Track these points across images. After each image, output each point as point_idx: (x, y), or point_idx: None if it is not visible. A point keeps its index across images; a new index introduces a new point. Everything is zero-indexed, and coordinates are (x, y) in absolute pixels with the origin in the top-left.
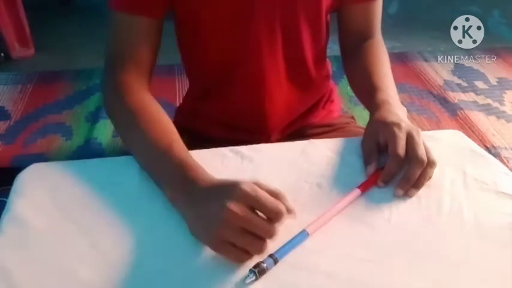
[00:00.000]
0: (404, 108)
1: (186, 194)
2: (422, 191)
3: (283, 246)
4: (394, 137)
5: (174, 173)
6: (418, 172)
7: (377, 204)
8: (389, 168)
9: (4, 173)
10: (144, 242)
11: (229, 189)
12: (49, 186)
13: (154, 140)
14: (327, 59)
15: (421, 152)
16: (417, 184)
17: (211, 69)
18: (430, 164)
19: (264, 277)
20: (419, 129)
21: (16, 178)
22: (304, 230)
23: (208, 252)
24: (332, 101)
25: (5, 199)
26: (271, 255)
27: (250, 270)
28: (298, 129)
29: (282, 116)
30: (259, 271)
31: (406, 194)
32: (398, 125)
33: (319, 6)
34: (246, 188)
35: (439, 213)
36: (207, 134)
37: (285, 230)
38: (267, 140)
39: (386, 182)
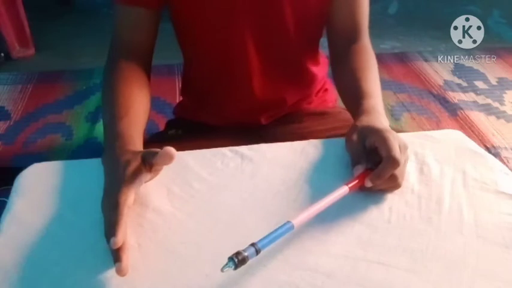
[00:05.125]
0: (387, 120)
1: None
2: (422, 191)
3: (266, 236)
4: (388, 141)
5: (108, 138)
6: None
7: (377, 204)
8: (382, 169)
9: (4, 173)
10: (145, 242)
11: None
12: (49, 186)
13: (117, 113)
14: (322, 52)
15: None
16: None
17: (205, 64)
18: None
19: (264, 277)
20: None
21: (16, 178)
22: (289, 222)
23: (211, 253)
24: (326, 90)
25: (5, 199)
26: (253, 244)
27: (229, 258)
28: (290, 114)
29: (272, 101)
30: (239, 260)
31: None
32: (391, 133)
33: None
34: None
35: (439, 213)
36: (204, 122)
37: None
38: (258, 121)
39: (374, 183)
